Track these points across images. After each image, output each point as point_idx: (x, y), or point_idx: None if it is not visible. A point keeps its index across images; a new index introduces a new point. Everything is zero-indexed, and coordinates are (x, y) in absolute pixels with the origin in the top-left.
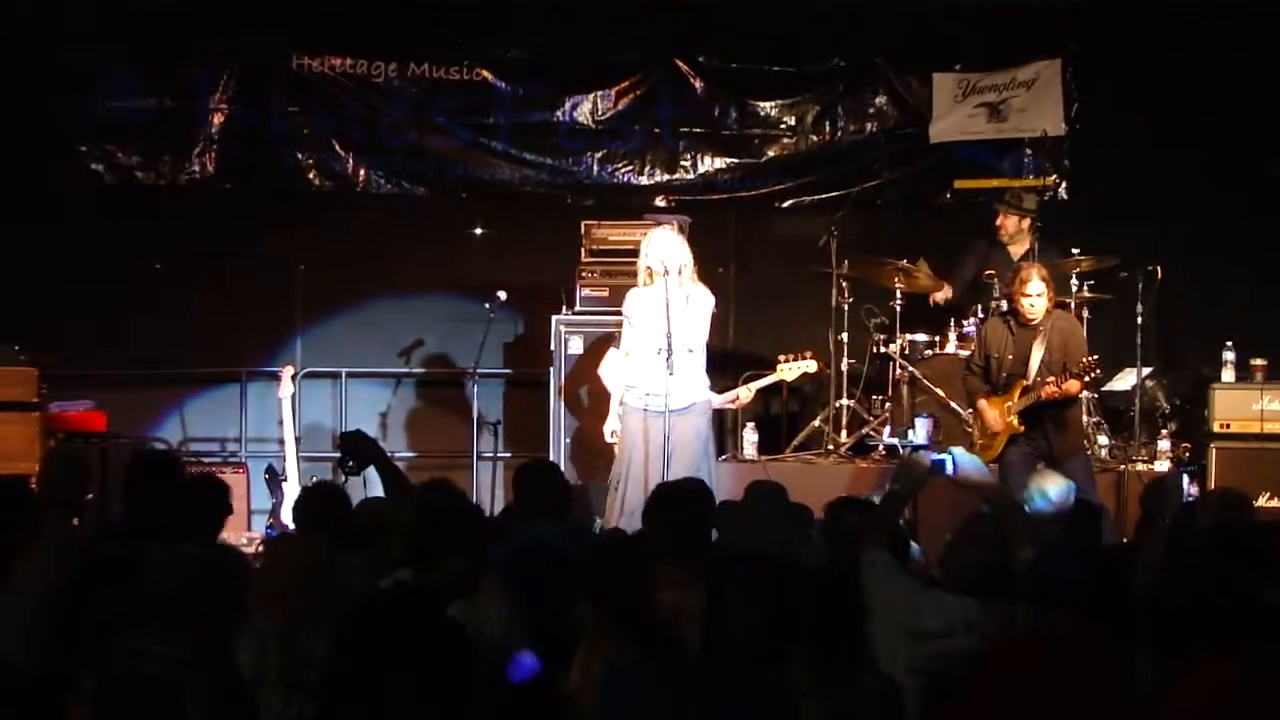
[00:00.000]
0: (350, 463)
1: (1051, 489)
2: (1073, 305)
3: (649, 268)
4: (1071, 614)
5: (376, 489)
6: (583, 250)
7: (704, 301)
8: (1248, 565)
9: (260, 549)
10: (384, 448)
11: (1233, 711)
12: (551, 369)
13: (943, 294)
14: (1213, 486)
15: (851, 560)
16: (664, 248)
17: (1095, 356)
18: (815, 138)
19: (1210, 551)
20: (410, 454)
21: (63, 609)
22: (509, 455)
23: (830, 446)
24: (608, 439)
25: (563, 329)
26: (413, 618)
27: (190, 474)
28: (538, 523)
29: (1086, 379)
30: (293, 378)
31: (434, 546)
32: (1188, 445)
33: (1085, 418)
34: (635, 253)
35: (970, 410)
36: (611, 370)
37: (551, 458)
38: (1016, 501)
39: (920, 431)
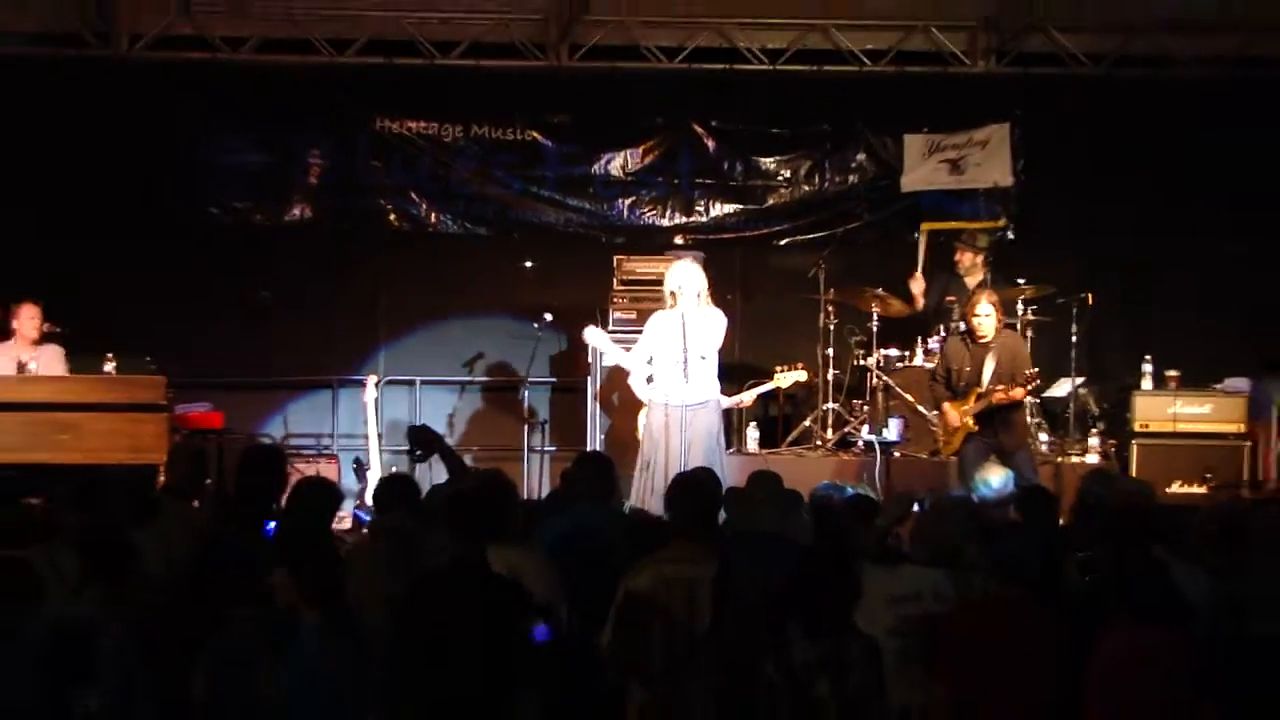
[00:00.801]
0: (417, 451)
1: (994, 479)
2: (1019, 326)
3: (672, 292)
4: (1023, 586)
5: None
6: (615, 280)
7: (718, 320)
8: (1150, 541)
9: (351, 526)
10: (448, 440)
11: (1143, 670)
12: (589, 378)
13: (917, 294)
14: (1134, 476)
15: (836, 537)
16: (682, 275)
17: (1036, 369)
18: (807, 188)
19: (1118, 532)
20: (472, 448)
21: (184, 579)
22: (554, 449)
23: (818, 442)
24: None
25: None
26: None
27: (311, 476)
28: (582, 505)
29: (1029, 387)
30: (376, 384)
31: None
32: (1114, 442)
33: (1029, 418)
34: (659, 282)
35: (935, 413)
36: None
37: (588, 449)
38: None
39: (893, 430)
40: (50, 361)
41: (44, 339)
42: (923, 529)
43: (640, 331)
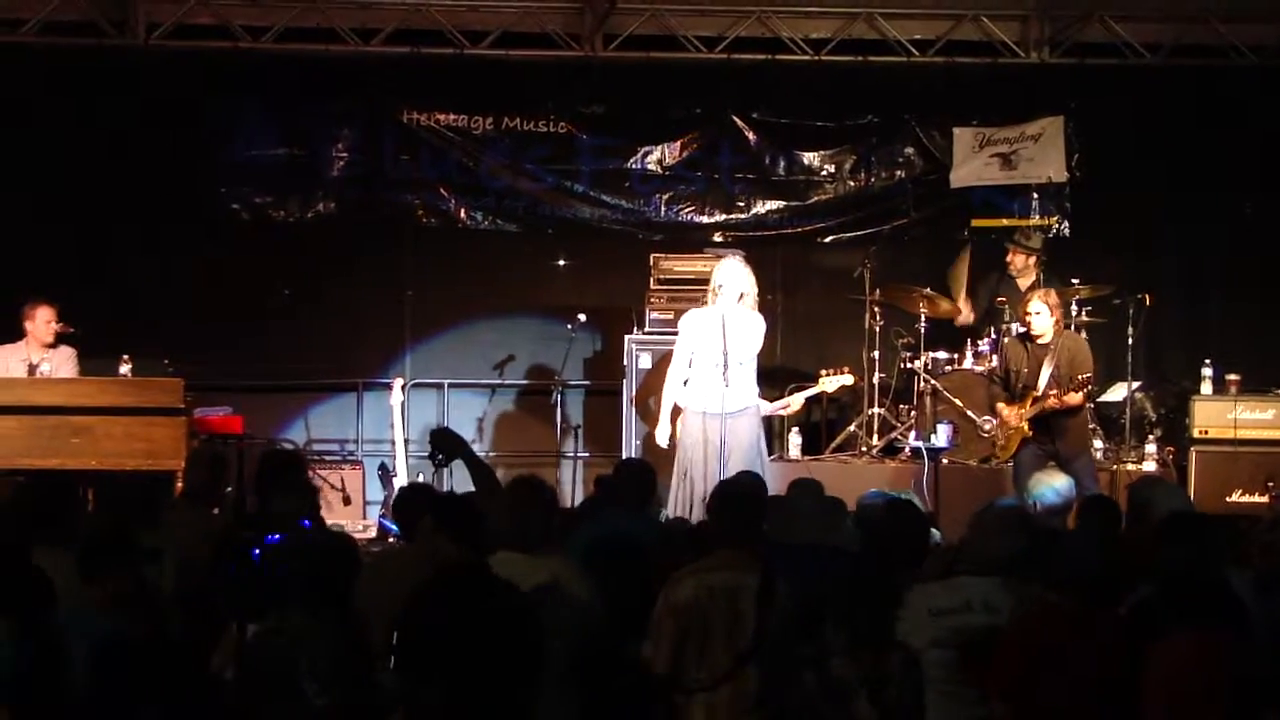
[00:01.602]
0: (439, 456)
1: (1059, 484)
2: (1073, 327)
3: (714, 290)
4: (1082, 595)
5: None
6: (651, 279)
7: (758, 324)
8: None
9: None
10: (476, 447)
11: (1202, 675)
12: (624, 381)
13: (962, 317)
14: (1193, 485)
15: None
16: (728, 273)
17: (1089, 374)
18: (852, 183)
19: (1170, 537)
20: (503, 453)
21: (197, 586)
22: (588, 455)
23: (864, 448)
24: (661, 444)
25: (634, 347)
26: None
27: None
28: (617, 512)
29: (1082, 393)
30: (402, 388)
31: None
32: (1171, 449)
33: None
34: (698, 281)
35: (985, 417)
36: (666, 384)
37: (624, 457)
38: None
39: (941, 436)
40: (62, 364)
41: (57, 341)
42: (972, 540)
43: (677, 333)
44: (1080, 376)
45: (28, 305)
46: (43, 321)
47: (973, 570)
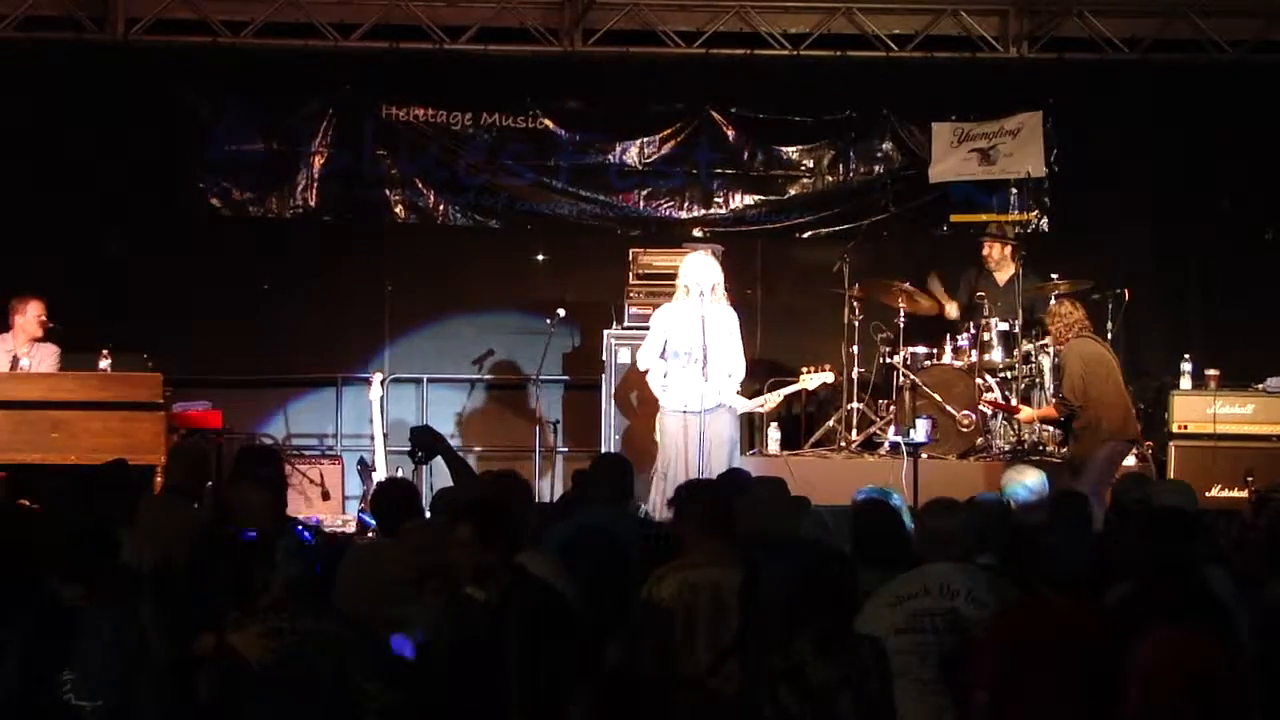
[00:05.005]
0: (419, 453)
1: (1029, 481)
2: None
3: (686, 286)
4: (1066, 589)
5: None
6: (630, 274)
7: (729, 320)
8: (1188, 544)
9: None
10: (455, 442)
11: (1185, 673)
12: (603, 376)
13: (950, 310)
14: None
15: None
16: (697, 269)
17: (1064, 393)
18: (831, 178)
19: (1156, 534)
20: (482, 449)
21: (179, 584)
22: (566, 450)
23: (842, 443)
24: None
25: (613, 341)
26: None
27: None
28: (594, 508)
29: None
30: (381, 383)
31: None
32: (1150, 444)
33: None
34: (676, 276)
35: (965, 411)
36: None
37: (602, 452)
38: None
39: (920, 431)
40: (45, 360)
41: (45, 337)
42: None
43: None
44: (1060, 393)
45: (17, 299)
46: (33, 316)
47: (932, 556)
